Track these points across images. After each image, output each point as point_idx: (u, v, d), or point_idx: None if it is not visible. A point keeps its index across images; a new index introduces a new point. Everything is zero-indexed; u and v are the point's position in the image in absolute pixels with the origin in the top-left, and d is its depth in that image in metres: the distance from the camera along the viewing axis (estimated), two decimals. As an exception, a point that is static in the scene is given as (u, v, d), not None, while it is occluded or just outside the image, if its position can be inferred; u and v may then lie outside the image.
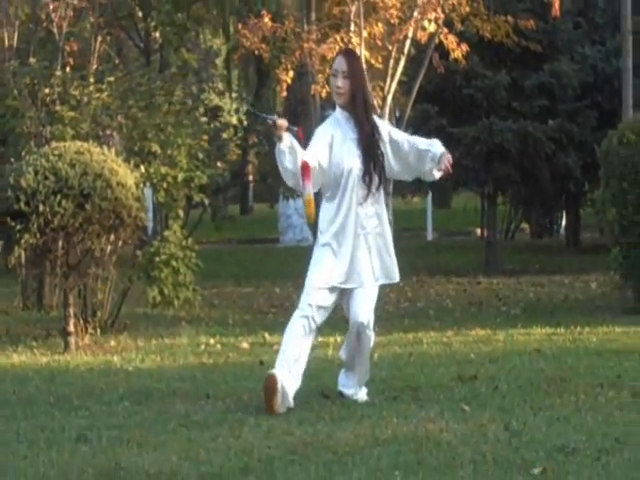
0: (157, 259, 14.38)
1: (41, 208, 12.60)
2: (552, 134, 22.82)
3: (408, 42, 17.56)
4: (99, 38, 22.21)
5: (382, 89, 17.81)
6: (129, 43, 27.88)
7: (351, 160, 8.26)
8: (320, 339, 13.31)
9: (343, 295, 8.50)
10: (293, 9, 19.71)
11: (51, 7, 19.95)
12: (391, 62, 17.64)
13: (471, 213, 31.29)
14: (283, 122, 8.12)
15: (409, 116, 18.60)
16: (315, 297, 8.38)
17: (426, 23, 17.35)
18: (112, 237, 13.10)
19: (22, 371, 11.51)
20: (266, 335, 13.75)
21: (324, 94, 19.30)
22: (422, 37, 17.56)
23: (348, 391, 8.83)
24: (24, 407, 9.12)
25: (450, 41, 17.88)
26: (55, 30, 20.14)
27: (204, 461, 6.74)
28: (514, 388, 9.20)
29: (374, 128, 8.38)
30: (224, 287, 19.98)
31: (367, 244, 8.33)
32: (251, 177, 44.30)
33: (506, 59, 22.72)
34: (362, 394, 8.82)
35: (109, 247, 13.25)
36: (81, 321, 13.61)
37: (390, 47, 17.70)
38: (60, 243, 13.20)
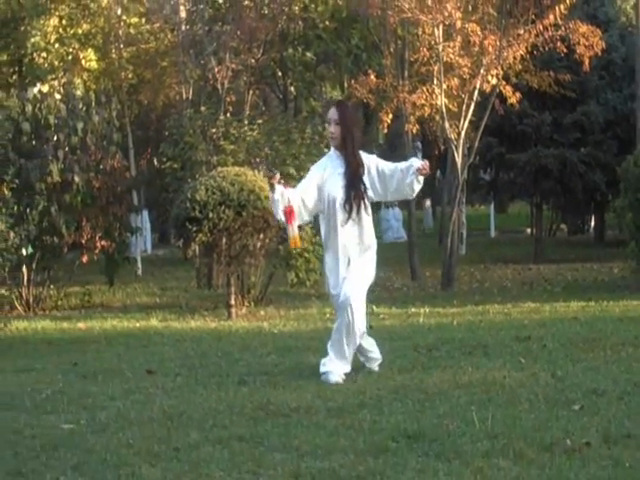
0: (294, 251, 14.39)
1: (210, 215, 12.75)
2: (584, 158, 22.73)
3: (476, 92, 17.40)
4: (250, 92, 22.37)
5: (457, 126, 17.66)
6: (272, 95, 28.00)
7: (336, 191, 7.63)
8: (413, 309, 13.32)
9: None
10: (391, 68, 19.55)
11: (216, 69, 20.12)
12: (464, 107, 17.49)
13: (523, 217, 31.02)
14: (277, 177, 7.65)
15: (477, 146, 18.40)
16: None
17: (490, 77, 17.19)
18: (261, 236, 13.22)
19: (197, 333, 11.63)
20: (373, 307, 13.72)
21: (415, 130, 19.23)
22: (487, 88, 17.39)
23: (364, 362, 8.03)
24: (200, 359, 9.21)
25: (507, 90, 17.70)
26: (219, 86, 20.33)
27: (330, 399, 6.74)
28: (558, 346, 9.08)
29: (359, 165, 7.69)
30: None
31: (346, 257, 7.65)
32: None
33: (549, 103, 22.56)
34: (375, 364, 8.03)
35: (259, 243, 13.37)
36: (239, 297, 13.72)
37: (463, 95, 17.55)
38: (224, 240, 13.33)
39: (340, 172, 7.69)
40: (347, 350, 7.63)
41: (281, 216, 7.67)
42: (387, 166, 7.82)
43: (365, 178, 7.72)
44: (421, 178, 7.69)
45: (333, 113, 7.70)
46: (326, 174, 7.72)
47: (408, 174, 7.69)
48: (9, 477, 5.00)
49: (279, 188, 7.58)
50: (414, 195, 7.95)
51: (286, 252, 14.11)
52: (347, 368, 7.64)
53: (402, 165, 7.80)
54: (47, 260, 15.56)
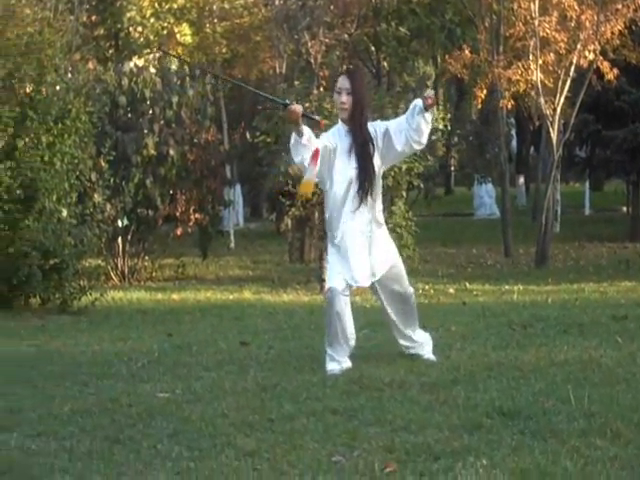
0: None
1: (303, 189, 12.72)
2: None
3: (573, 67, 17.14)
4: (344, 66, 22.30)
5: (553, 103, 17.44)
6: (365, 70, 27.90)
7: (348, 174, 6.99)
8: (507, 287, 13.20)
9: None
10: (486, 43, 19.34)
11: (309, 44, 20.12)
12: (559, 82, 17.25)
13: (619, 195, 30.52)
14: (298, 108, 6.84)
15: (573, 122, 18.16)
16: None
17: (587, 53, 16.93)
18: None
19: (290, 306, 11.70)
20: (467, 284, 13.67)
21: (509, 106, 19.02)
22: (583, 63, 17.14)
23: (416, 351, 7.48)
24: (293, 331, 9.27)
25: (605, 66, 17.40)
26: (312, 60, 20.32)
27: (424, 373, 6.71)
28: (656, 325, 8.95)
29: (367, 141, 7.04)
30: (434, 248, 19.91)
31: (364, 241, 7.08)
32: (453, 167, 43.98)
33: (648, 79, 22.12)
34: (429, 350, 7.48)
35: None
36: (331, 271, 13.70)
37: (559, 71, 17.31)
38: (316, 215, 13.35)
39: (350, 152, 7.03)
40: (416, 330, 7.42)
41: (304, 159, 6.85)
42: (392, 125, 7.15)
43: (375, 157, 7.10)
44: (428, 115, 6.94)
45: (344, 82, 7.06)
46: (337, 152, 7.03)
47: (414, 118, 6.97)
48: (107, 443, 5.08)
49: (307, 133, 6.84)
50: (423, 141, 7.07)
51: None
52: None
53: (407, 113, 7.11)
54: (142, 232, 15.77)
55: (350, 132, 7.06)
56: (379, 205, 7.21)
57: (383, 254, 7.19)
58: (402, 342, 7.47)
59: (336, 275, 7.05)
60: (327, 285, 7.17)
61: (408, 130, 7.00)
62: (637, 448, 4.77)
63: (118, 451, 4.96)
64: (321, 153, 6.88)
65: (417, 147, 7.16)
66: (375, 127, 7.17)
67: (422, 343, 7.45)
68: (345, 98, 7.03)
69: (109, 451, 4.96)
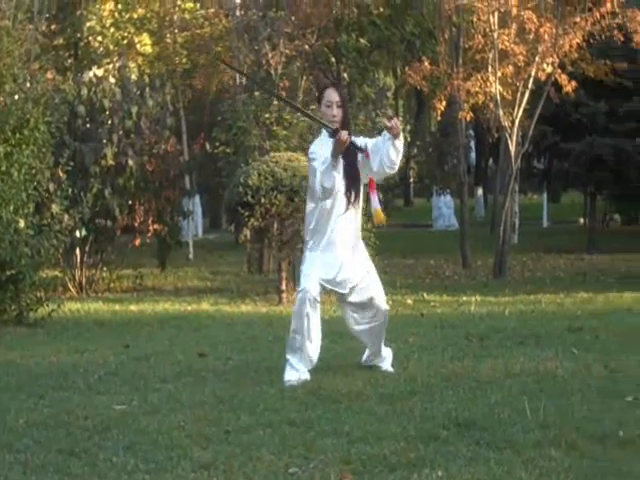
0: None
1: (262, 200, 12.77)
2: (639, 148, 22.41)
3: (531, 80, 17.26)
4: (304, 77, 22.35)
5: (511, 115, 17.54)
6: (325, 81, 27.97)
7: (337, 178, 6.99)
8: (464, 298, 13.25)
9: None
10: (446, 55, 19.45)
11: (270, 55, 20.12)
12: (518, 95, 17.37)
13: (576, 207, 30.78)
14: (346, 137, 6.90)
15: (531, 134, 18.29)
16: None
17: (545, 65, 17.06)
18: (313, 222, 13.17)
19: (248, 317, 11.67)
20: (425, 295, 13.72)
21: (468, 118, 19.12)
22: (542, 76, 17.25)
23: (374, 363, 7.56)
24: (251, 343, 9.26)
25: (563, 79, 17.53)
26: (272, 71, 20.32)
27: (381, 385, 6.74)
28: (611, 337, 9.02)
29: (355, 149, 7.05)
30: (393, 259, 19.94)
31: (344, 248, 7.13)
32: (412, 179, 44.14)
33: (605, 92, 22.28)
34: (388, 363, 7.55)
35: (311, 229, 13.33)
36: (290, 282, 13.72)
37: (517, 83, 17.42)
38: (275, 225, 13.36)
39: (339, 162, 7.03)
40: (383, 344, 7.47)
41: (334, 184, 6.92)
42: (369, 144, 7.13)
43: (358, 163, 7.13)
44: (398, 143, 6.93)
45: (334, 95, 7.13)
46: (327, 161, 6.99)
47: (385, 144, 6.98)
48: (62, 456, 5.05)
49: (341, 162, 6.98)
50: (395, 166, 7.06)
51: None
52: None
53: (380, 137, 7.11)
54: (100, 243, 15.67)
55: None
56: (360, 214, 7.26)
57: (364, 264, 7.28)
58: (367, 354, 7.55)
59: (312, 278, 7.04)
60: (301, 286, 7.10)
61: (381, 153, 7.03)
62: (592, 459, 4.81)
63: (73, 464, 4.93)
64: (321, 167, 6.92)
65: (389, 171, 7.16)
66: (362, 141, 7.20)
67: (385, 357, 7.52)
68: (336, 111, 7.12)
69: (64, 464, 4.93)
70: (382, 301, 7.35)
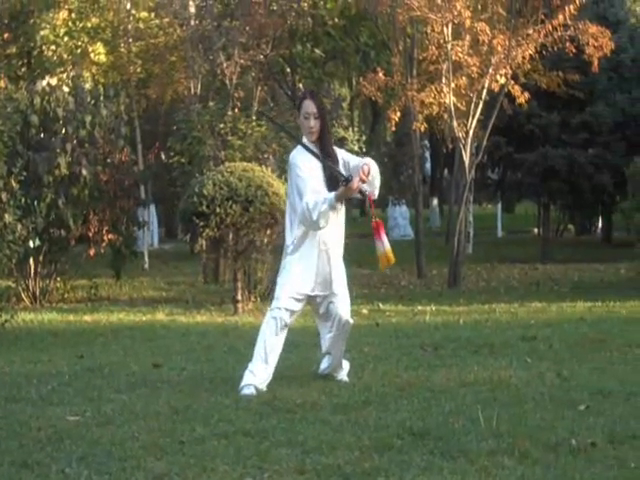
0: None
1: (217, 210, 12.74)
2: (592, 159, 22.71)
3: (485, 91, 17.39)
4: (259, 87, 22.37)
5: (465, 125, 17.66)
6: (280, 91, 27.98)
7: (320, 187, 7.01)
8: (419, 307, 13.30)
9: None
10: (400, 66, 19.53)
11: (224, 65, 20.11)
12: (472, 106, 17.49)
13: (530, 217, 31.02)
14: (357, 185, 6.85)
15: (485, 145, 18.41)
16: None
17: (498, 77, 17.19)
18: (269, 231, 13.21)
19: (203, 327, 11.64)
20: (380, 304, 13.76)
21: (422, 129, 19.22)
22: (495, 87, 17.39)
23: (330, 372, 7.55)
24: (206, 353, 9.23)
25: (516, 90, 17.67)
26: (227, 81, 20.32)
27: (336, 395, 6.75)
28: (564, 346, 9.09)
29: (335, 158, 7.09)
30: (349, 268, 19.92)
31: (326, 256, 7.11)
32: (368, 189, 44.26)
33: (557, 103, 22.54)
34: (344, 373, 7.55)
35: (266, 239, 13.36)
36: (246, 292, 13.72)
37: (471, 94, 17.54)
38: (231, 236, 13.35)
39: (319, 167, 7.05)
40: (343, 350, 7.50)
41: (327, 223, 6.92)
42: (352, 162, 7.14)
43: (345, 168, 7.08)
44: (375, 183, 7.01)
45: (311, 106, 7.08)
46: (313, 173, 7.06)
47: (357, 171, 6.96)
48: (14, 468, 5.01)
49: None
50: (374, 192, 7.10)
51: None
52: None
53: (353, 160, 7.18)
54: (54, 253, 15.56)
55: (321, 154, 7.06)
56: (343, 220, 7.24)
57: (341, 276, 7.24)
58: (326, 364, 7.55)
59: (285, 296, 7.04)
60: (277, 303, 7.07)
61: (353, 168, 7.03)
62: (544, 468, 4.85)
63: (26, 476, 4.89)
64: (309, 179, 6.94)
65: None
66: (340, 153, 7.21)
67: (343, 369, 7.53)
68: (313, 122, 7.07)
69: (17, 476, 4.89)
70: (346, 313, 7.28)
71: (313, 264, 7.10)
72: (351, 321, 7.32)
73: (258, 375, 7.00)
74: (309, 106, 7.12)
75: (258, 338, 7.11)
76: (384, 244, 7.13)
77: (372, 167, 6.99)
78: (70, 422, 6.02)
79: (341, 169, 7.04)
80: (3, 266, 12.20)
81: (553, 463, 4.90)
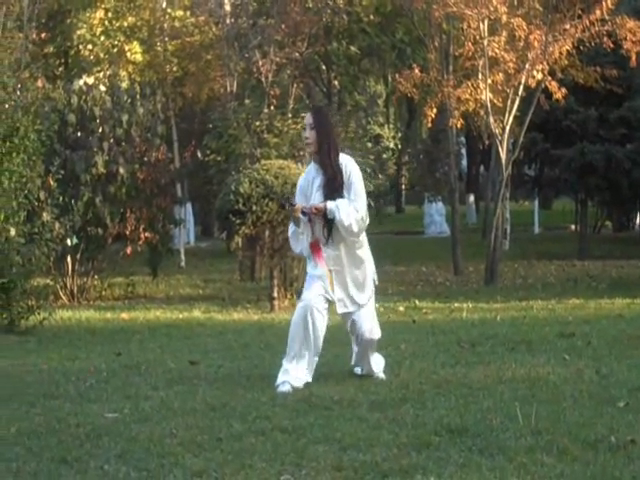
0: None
1: (253, 208, 12.76)
2: (629, 154, 22.52)
3: (521, 87, 17.31)
4: (294, 85, 22.38)
5: (502, 121, 17.60)
6: (316, 88, 28.02)
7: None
8: (456, 304, 13.26)
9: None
10: (436, 62, 19.48)
11: (260, 63, 20.15)
12: (508, 102, 17.42)
13: (568, 213, 30.84)
14: (300, 206, 7.10)
15: (522, 141, 18.34)
16: None
17: (535, 73, 17.11)
18: (305, 229, 13.17)
19: (240, 325, 11.67)
20: (416, 302, 13.73)
21: (459, 125, 19.16)
22: (532, 83, 17.32)
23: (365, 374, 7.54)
24: (242, 350, 9.25)
25: (553, 86, 17.59)
26: (263, 79, 20.35)
27: (373, 392, 6.73)
28: (602, 343, 9.02)
29: (337, 172, 7.08)
30: (384, 266, 19.94)
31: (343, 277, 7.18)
32: (404, 186, 44.20)
33: (595, 99, 22.39)
34: (379, 369, 7.51)
35: (302, 236, 13.33)
36: (282, 289, 13.72)
37: (508, 90, 17.47)
38: (267, 233, 13.37)
39: (320, 185, 7.15)
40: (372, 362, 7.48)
41: (303, 249, 7.25)
42: (353, 183, 7.14)
43: (345, 191, 7.13)
44: (337, 221, 7.06)
45: (308, 118, 7.26)
46: (314, 186, 7.19)
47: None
48: (53, 464, 5.03)
49: (303, 220, 7.11)
50: (352, 234, 7.18)
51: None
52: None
53: (351, 186, 7.16)
54: (91, 251, 15.66)
55: (320, 168, 7.15)
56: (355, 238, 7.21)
57: (361, 291, 7.24)
58: (358, 370, 7.56)
59: (315, 290, 7.09)
60: (304, 295, 7.17)
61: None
62: (584, 465, 4.80)
63: (65, 472, 4.91)
64: (302, 189, 7.24)
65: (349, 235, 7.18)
66: (348, 165, 7.16)
67: (379, 365, 7.50)
68: (308, 133, 7.17)
69: (56, 472, 4.91)
70: (369, 331, 7.25)
71: (327, 282, 7.15)
72: (375, 337, 7.31)
73: (292, 372, 7.01)
74: (307, 117, 7.33)
75: (288, 335, 7.15)
76: (323, 267, 7.16)
77: (330, 212, 7.04)
78: (108, 419, 6.05)
79: (345, 177, 7.10)
80: (41, 264, 12.28)
81: (592, 460, 4.86)
